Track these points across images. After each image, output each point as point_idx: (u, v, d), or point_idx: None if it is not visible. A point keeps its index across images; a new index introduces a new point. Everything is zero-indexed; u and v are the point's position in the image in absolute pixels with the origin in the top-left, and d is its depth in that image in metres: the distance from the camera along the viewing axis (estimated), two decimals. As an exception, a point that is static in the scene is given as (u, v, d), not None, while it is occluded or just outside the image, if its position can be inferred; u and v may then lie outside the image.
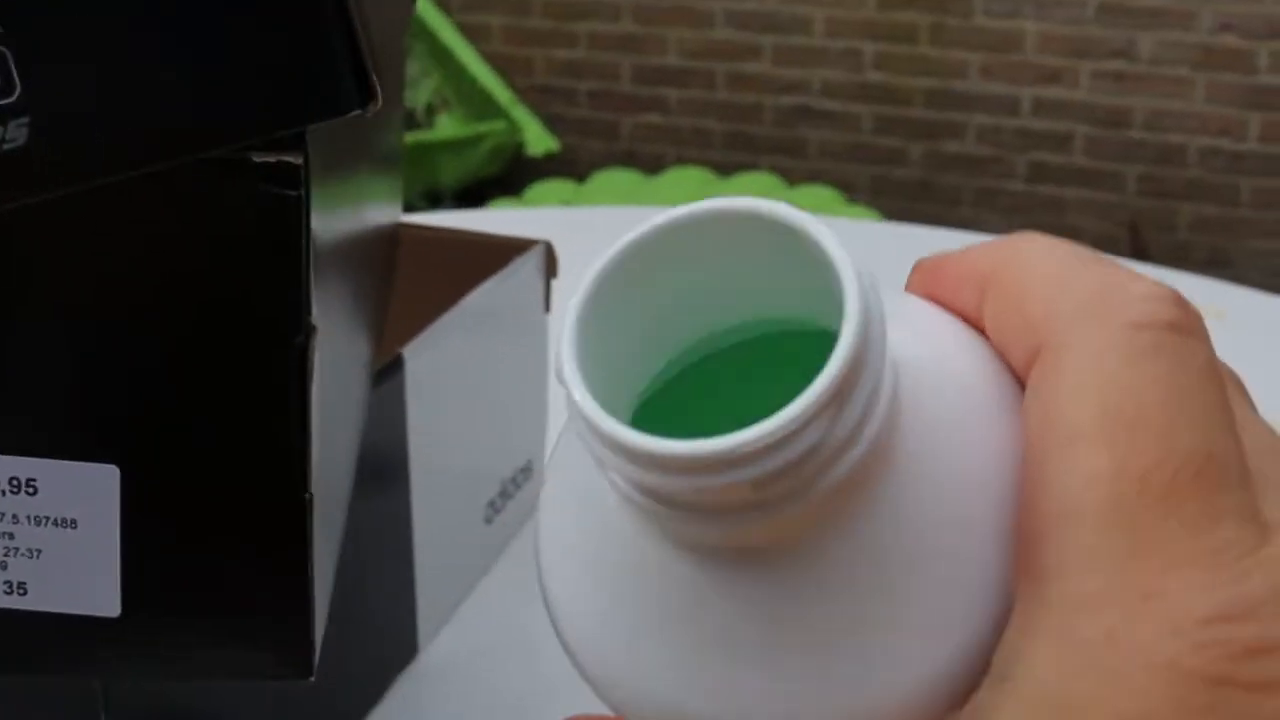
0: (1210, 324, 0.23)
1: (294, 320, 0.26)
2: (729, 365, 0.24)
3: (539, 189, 2.37)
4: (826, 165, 2.41)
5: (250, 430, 0.26)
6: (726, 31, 2.41)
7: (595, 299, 0.21)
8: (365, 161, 0.36)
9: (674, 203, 0.22)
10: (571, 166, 2.48)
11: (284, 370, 0.26)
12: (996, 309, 0.24)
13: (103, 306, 0.26)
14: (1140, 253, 2.20)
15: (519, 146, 2.47)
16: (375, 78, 0.24)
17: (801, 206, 0.21)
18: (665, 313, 0.23)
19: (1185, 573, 0.20)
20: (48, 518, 0.27)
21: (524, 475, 0.57)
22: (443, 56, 2.51)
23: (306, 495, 0.27)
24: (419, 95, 2.52)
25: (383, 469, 0.46)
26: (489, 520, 0.54)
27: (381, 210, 0.42)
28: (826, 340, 0.20)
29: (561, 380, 0.21)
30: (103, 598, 0.27)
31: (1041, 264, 0.23)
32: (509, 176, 2.47)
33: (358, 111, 0.24)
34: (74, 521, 0.27)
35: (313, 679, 0.28)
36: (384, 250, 0.45)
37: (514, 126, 2.45)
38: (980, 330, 0.24)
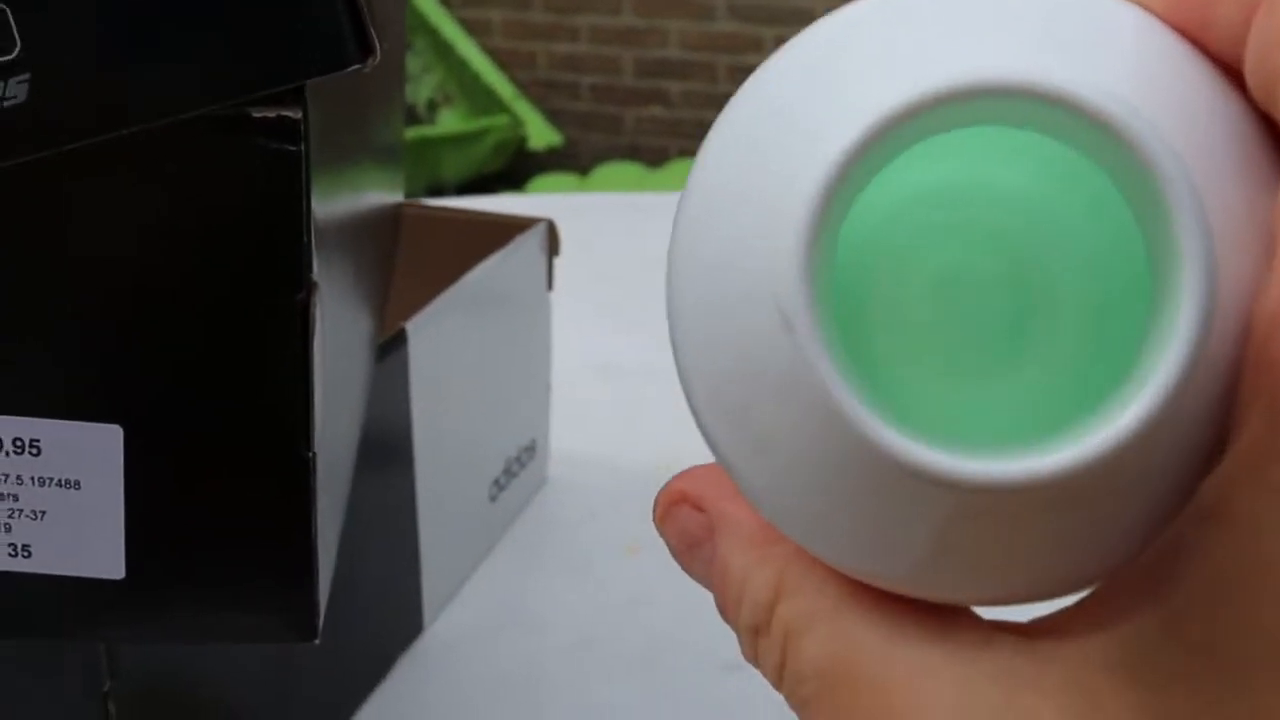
0: None
1: (295, 276, 0.25)
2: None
3: (542, 183, 2.38)
4: (829, 157, 2.41)
5: (252, 387, 0.26)
6: (728, 24, 2.41)
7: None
8: (366, 154, 0.36)
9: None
10: (574, 160, 2.48)
11: (286, 327, 0.26)
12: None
13: (103, 265, 0.26)
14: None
15: (522, 141, 2.47)
16: (374, 32, 0.24)
17: None
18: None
19: None
20: (51, 479, 0.27)
21: (528, 454, 0.57)
22: (444, 52, 2.51)
23: (309, 453, 0.27)
24: (421, 91, 2.52)
25: (387, 445, 0.46)
26: (493, 498, 0.54)
27: (382, 200, 0.42)
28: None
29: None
30: (107, 560, 0.27)
31: None
32: (512, 171, 2.47)
33: (357, 66, 0.24)
34: (77, 483, 0.27)
35: (317, 641, 0.28)
36: (386, 236, 0.45)
37: (516, 121, 2.46)
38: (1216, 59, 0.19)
